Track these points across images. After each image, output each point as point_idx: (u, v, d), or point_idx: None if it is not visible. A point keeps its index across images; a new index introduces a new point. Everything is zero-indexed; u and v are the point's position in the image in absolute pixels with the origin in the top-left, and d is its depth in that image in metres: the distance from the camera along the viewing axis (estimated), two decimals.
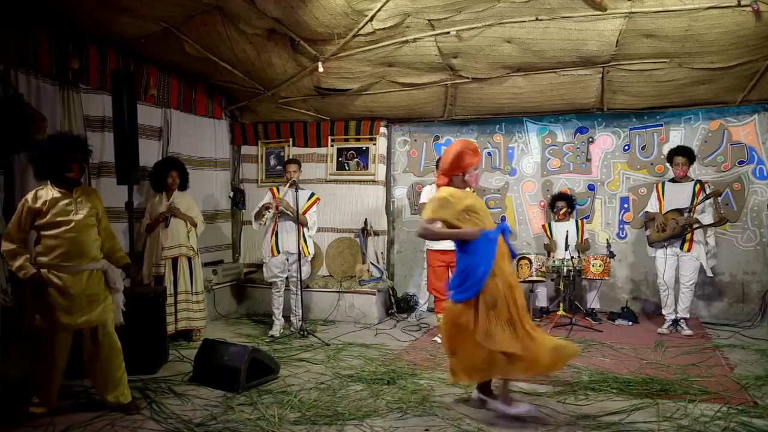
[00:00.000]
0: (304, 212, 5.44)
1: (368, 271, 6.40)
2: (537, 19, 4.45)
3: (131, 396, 3.59)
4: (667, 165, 5.61)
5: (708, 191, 5.25)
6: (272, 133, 6.96)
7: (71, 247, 3.37)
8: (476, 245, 3.28)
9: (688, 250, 5.24)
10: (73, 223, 3.37)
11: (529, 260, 5.78)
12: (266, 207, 5.36)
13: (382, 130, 6.66)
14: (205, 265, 5.99)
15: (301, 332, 5.39)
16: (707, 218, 5.23)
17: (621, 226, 6.29)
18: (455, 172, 3.44)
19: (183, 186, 5.38)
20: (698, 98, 5.63)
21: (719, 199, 5.46)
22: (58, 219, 3.35)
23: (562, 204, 6.00)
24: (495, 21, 4.54)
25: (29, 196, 3.39)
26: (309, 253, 5.55)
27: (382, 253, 6.55)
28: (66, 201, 3.40)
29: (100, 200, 3.64)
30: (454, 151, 3.43)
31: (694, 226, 5.20)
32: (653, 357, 4.54)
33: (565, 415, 3.38)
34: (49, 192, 3.40)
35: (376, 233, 6.56)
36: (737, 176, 5.87)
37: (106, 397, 3.52)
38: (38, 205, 3.35)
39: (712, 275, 5.46)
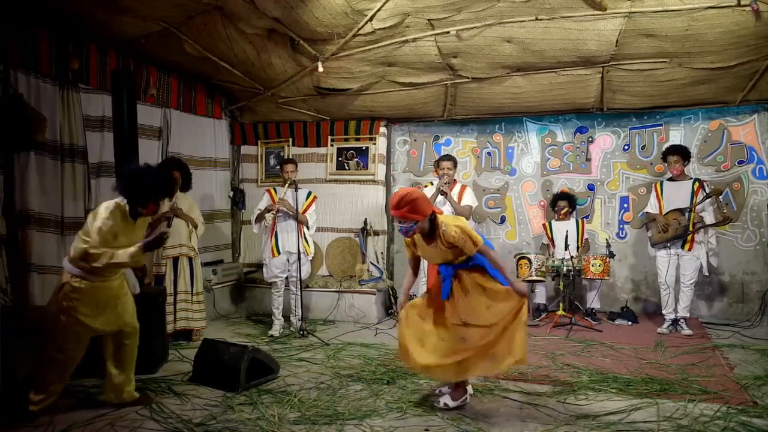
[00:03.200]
0: (304, 211, 5.47)
1: (368, 270, 6.40)
2: (537, 19, 4.45)
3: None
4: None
5: (707, 190, 5.26)
6: (272, 132, 6.96)
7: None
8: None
9: (689, 249, 5.24)
10: (123, 246, 3.34)
11: (529, 260, 5.77)
12: (268, 209, 5.36)
13: (382, 129, 6.65)
14: (205, 265, 5.99)
15: (301, 332, 5.40)
16: (708, 218, 5.24)
17: (621, 225, 6.29)
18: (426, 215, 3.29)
19: (185, 187, 5.38)
20: (698, 98, 5.63)
21: (720, 198, 5.47)
22: (116, 242, 3.32)
23: (563, 203, 5.99)
24: (495, 21, 4.54)
25: (109, 214, 3.31)
26: (310, 252, 5.58)
27: (381, 252, 6.55)
28: (128, 226, 3.43)
29: None
30: (412, 199, 3.22)
31: (697, 225, 5.20)
32: (653, 357, 4.54)
33: (565, 415, 3.38)
34: (120, 211, 3.38)
35: (376, 233, 6.56)
36: (737, 176, 5.87)
37: (122, 397, 3.56)
38: (115, 223, 3.32)
39: (708, 274, 5.47)
